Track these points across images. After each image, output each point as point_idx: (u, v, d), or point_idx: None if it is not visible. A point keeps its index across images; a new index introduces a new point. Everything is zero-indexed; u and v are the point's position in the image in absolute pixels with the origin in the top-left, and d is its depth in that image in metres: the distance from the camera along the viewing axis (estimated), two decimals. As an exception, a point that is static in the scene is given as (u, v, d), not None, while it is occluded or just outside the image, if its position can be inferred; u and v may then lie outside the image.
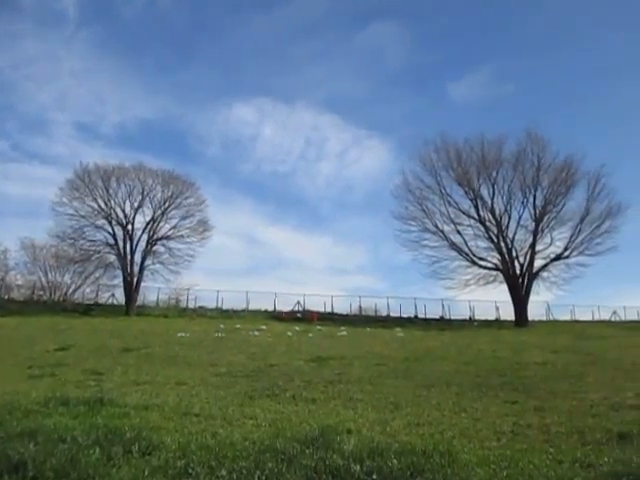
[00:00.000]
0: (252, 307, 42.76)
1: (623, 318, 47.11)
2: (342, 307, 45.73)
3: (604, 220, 41.44)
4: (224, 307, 42.29)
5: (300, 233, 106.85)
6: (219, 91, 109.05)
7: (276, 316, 39.91)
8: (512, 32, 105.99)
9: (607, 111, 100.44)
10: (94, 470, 4.60)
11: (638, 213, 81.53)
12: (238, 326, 29.70)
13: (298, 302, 43.92)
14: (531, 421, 7.55)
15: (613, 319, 46.66)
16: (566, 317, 46.26)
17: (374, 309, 46.44)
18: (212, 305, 42.61)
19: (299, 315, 40.89)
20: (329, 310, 44.22)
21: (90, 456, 4.91)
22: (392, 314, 44.82)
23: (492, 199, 43.03)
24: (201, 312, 40.05)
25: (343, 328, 31.12)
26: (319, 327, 32.27)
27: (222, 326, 29.18)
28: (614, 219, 41.50)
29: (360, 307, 46.16)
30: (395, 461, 5.02)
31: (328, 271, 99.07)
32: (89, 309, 39.20)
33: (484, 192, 43.15)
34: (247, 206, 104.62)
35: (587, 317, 46.43)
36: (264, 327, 29.68)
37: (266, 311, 42.06)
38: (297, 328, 30.11)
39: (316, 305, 44.04)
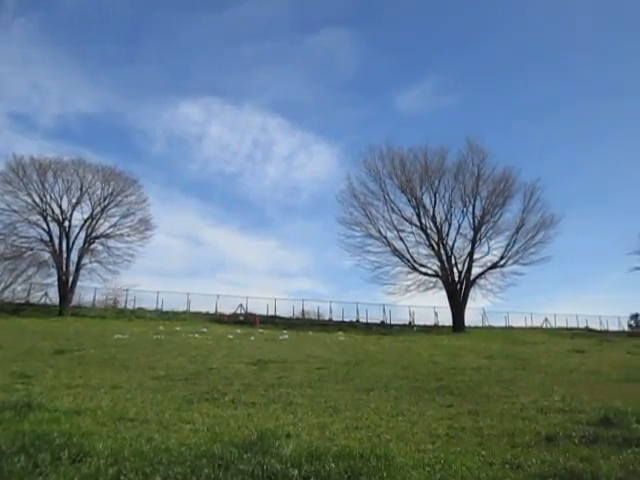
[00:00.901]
0: (193, 309, 41.99)
1: (554, 325, 49.33)
2: (285, 310, 45.70)
3: (538, 231, 43.44)
4: (164, 309, 41.33)
5: (245, 235, 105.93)
6: (166, 88, 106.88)
7: (218, 319, 39.37)
8: (457, 46, 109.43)
9: (547, 126, 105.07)
10: (18, 479, 4.38)
11: (567, 226, 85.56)
12: (178, 328, 29.11)
13: (240, 305, 43.51)
14: (465, 424, 7.77)
15: (544, 326, 48.75)
16: (501, 323, 47.95)
17: (317, 313, 46.62)
18: (152, 307, 41.52)
19: (241, 318, 40.47)
20: (272, 313, 44.02)
21: (14, 464, 4.68)
22: (334, 318, 45.12)
23: (434, 207, 44.19)
24: (140, 313, 38.93)
25: (285, 331, 31.08)
26: (261, 330, 32.08)
27: (162, 328, 28.53)
28: (547, 230, 43.54)
29: (303, 311, 46.21)
30: (333, 465, 5.05)
31: (272, 274, 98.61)
32: (19, 308, 37.30)
33: (426, 200, 44.27)
34: (191, 206, 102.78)
35: (521, 324, 48.34)
36: (205, 330, 29.21)
37: (207, 313, 41.38)
38: (239, 331, 29.82)
39: (259, 308, 43.80)
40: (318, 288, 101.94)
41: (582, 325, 49.17)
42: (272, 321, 40.11)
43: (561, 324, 49.55)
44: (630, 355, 23.01)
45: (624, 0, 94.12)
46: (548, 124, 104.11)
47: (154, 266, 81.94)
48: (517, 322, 48.50)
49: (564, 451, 6.18)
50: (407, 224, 44.25)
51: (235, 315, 41.61)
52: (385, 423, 7.81)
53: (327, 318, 45.31)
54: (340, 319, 44.83)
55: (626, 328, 51.54)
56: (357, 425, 7.59)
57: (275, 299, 45.65)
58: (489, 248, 44.00)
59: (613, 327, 50.52)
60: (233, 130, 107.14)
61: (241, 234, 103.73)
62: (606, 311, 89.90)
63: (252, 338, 26.23)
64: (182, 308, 41.64)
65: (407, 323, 45.24)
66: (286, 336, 28.08)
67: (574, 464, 5.60)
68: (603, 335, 40.23)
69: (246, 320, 39.27)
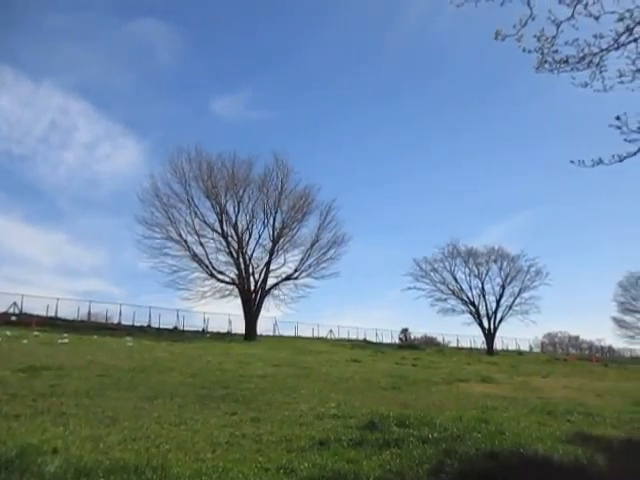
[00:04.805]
0: (-48, 307, 36.04)
1: (337, 336, 53.20)
2: (69, 312, 41.69)
3: (330, 248, 46.55)
4: None
5: (29, 226, 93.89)
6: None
7: (-17, 318, 34.38)
8: (277, 62, 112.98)
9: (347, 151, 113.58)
10: None
11: (355, 244, 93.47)
12: None
13: (14, 303, 38.61)
14: (246, 431, 7.95)
15: (329, 337, 52.31)
16: (290, 333, 50.24)
17: (105, 316, 43.59)
18: None
19: (14, 318, 35.90)
20: (53, 314, 39.91)
21: None
22: (124, 322, 42.63)
23: (237, 216, 44.63)
24: None
25: (66, 335, 28.39)
26: (37, 333, 28.83)
27: None
28: (338, 248, 46.91)
29: (89, 313, 42.80)
30: (103, 480, 4.77)
31: (58, 271, 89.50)
32: None
33: (230, 208, 44.50)
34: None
35: (308, 334, 51.30)
36: (-36, 331, 25.33)
37: (-29, 312, 35.89)
38: (9, 333, 26.41)
39: (38, 308, 39.31)
40: (111, 290, 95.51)
41: (361, 337, 53.97)
42: (52, 323, 36.30)
43: (343, 335, 53.77)
44: (398, 365, 25.93)
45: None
46: (349, 149, 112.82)
47: None
48: (305, 332, 51.43)
49: (334, 454, 6.70)
50: (209, 230, 44.01)
51: (6, 315, 36.73)
52: (166, 433, 7.62)
53: (116, 322, 42.63)
54: (130, 323, 42.55)
55: (397, 341, 57.94)
56: (136, 436, 7.26)
57: (58, 299, 41.47)
58: (285, 260, 45.83)
59: (387, 340, 56.51)
60: (27, 106, 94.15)
61: (25, 224, 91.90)
62: (383, 325, 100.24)
63: (25, 341, 23.48)
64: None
65: (201, 330, 44.81)
66: (66, 340, 25.69)
67: (341, 465, 6.11)
68: (378, 347, 44.61)
69: (19, 321, 34.94)
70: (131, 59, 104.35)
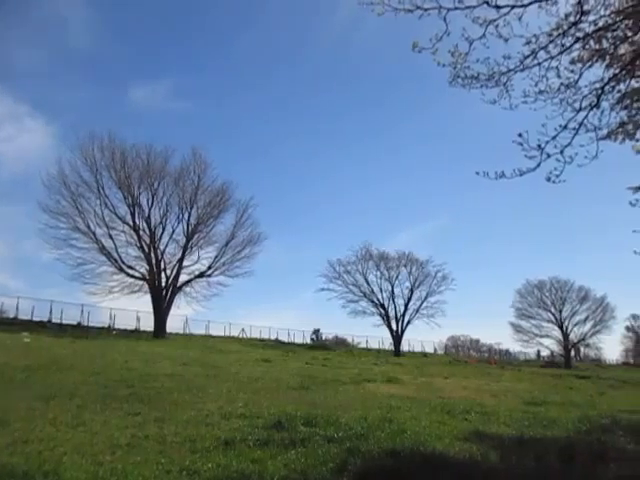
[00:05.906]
0: None
1: (249, 335, 52.84)
2: (-43, 305, 38.49)
3: (245, 246, 46.06)
4: None
5: None
6: None
7: None
8: (198, 54, 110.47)
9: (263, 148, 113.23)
10: None
11: (271, 244, 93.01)
12: None
13: None
14: (150, 432, 7.72)
15: (241, 336, 51.81)
16: (201, 331, 49.23)
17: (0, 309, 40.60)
18: None
19: None
20: (-63, 307, 36.69)
21: None
22: (22, 317, 39.87)
23: (150, 209, 42.94)
24: None
25: (-48, 329, 26.25)
26: None
27: None
28: (253, 247, 46.54)
29: (-18, 306, 39.72)
30: (-13, 486, 4.45)
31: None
32: None
33: (143, 201, 42.72)
34: None
35: (220, 333, 50.48)
36: None
37: None
38: None
39: None
40: (7, 282, 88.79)
41: (273, 337, 53.97)
42: (-64, 316, 33.42)
43: (255, 335, 53.47)
44: (308, 365, 26.14)
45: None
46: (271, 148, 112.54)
47: None
48: (217, 331, 50.54)
49: (239, 454, 6.66)
50: (119, 222, 41.96)
51: None
52: (62, 435, 7.23)
53: (12, 316, 39.79)
54: (29, 318, 39.86)
55: (309, 341, 58.47)
56: (27, 438, 6.84)
57: (-56, 290, 38.20)
58: (199, 257, 44.73)
59: (299, 340, 56.87)
60: None
61: None
62: (296, 325, 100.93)
63: None
64: None
65: (107, 326, 42.88)
66: (-47, 335, 23.75)
67: (245, 466, 6.09)
68: (289, 347, 44.78)
69: None
70: (42, 33, 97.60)
